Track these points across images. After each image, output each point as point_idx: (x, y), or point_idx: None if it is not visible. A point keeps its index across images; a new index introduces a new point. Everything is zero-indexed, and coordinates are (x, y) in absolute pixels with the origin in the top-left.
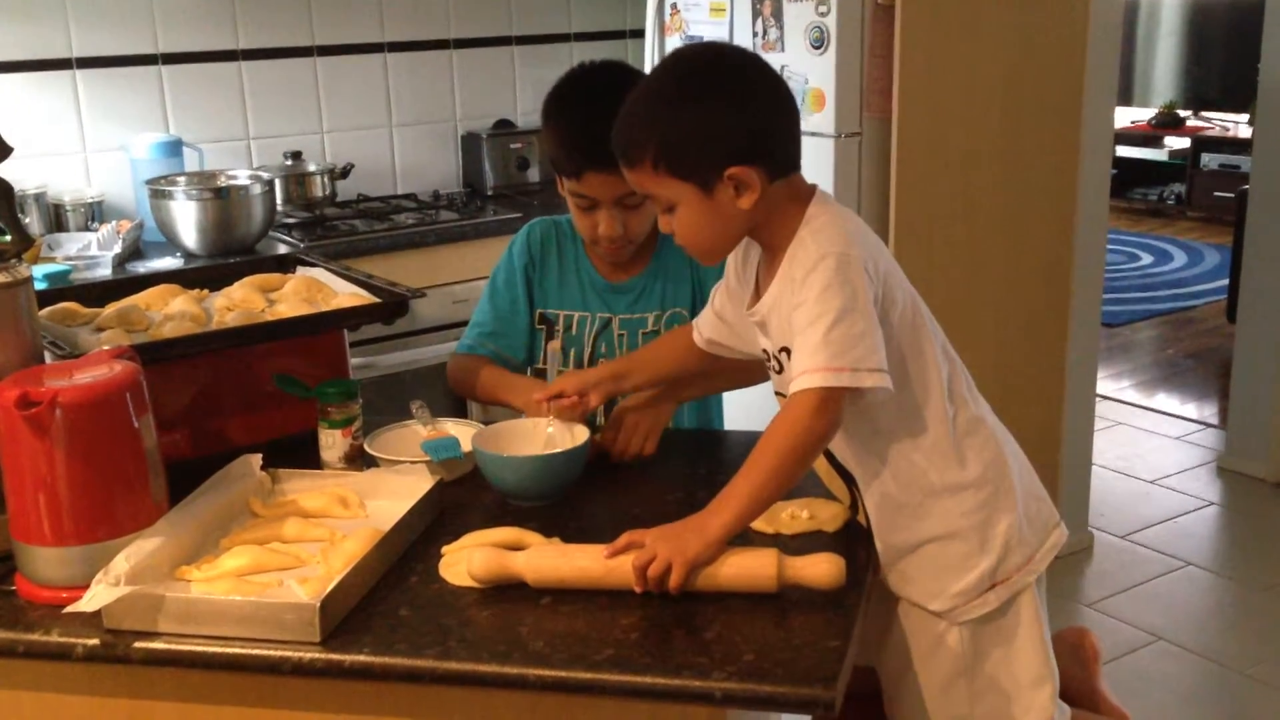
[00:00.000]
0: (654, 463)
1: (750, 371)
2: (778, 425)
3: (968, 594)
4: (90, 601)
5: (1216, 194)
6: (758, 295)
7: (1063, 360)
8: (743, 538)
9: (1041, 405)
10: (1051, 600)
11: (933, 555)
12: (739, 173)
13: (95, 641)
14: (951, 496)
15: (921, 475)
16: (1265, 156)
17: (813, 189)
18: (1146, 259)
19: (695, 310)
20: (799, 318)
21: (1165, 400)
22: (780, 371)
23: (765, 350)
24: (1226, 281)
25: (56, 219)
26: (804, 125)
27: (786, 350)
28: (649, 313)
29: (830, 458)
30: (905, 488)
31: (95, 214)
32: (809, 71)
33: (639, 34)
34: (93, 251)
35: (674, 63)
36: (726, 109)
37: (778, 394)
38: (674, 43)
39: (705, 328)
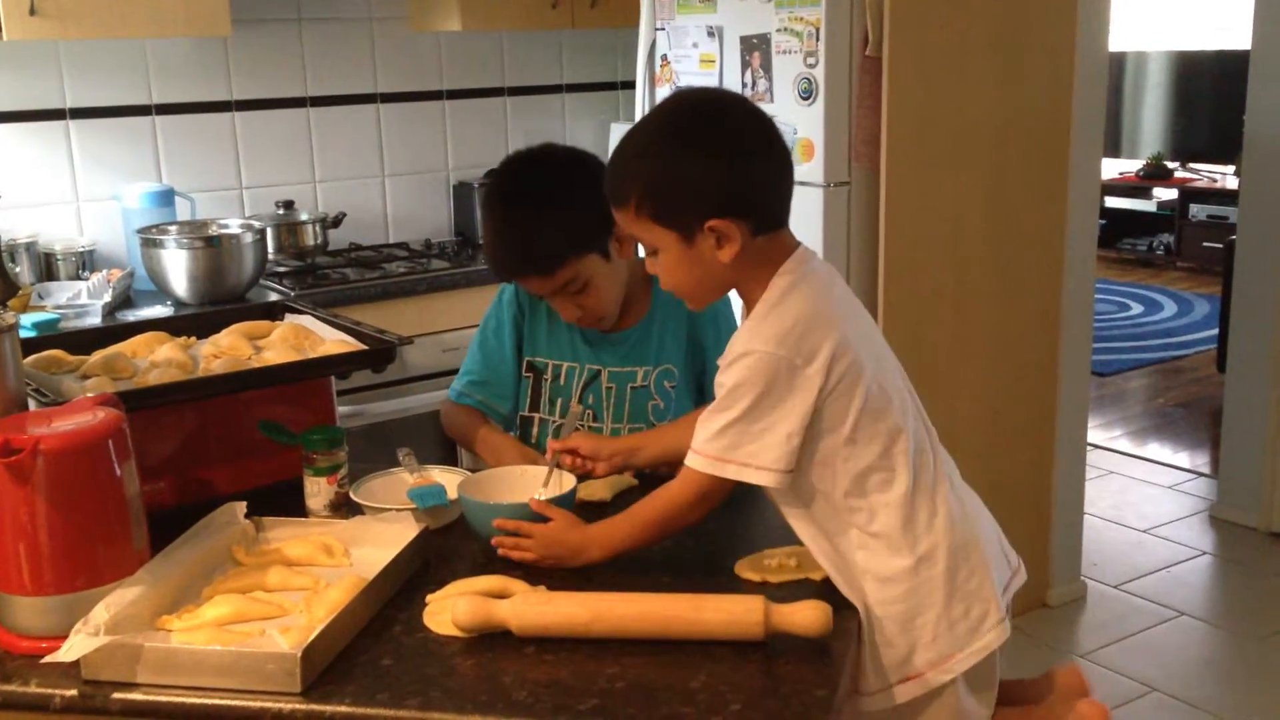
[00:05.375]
0: None
1: None
2: (664, 494)
3: (883, 678)
4: (69, 651)
5: (1205, 244)
6: None
7: (1053, 410)
8: (729, 586)
9: (1032, 455)
10: (1045, 651)
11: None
12: (720, 225)
13: (73, 692)
14: (878, 584)
15: (851, 553)
16: (1251, 208)
17: (791, 249)
18: (1137, 309)
19: (688, 367)
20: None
21: (1157, 449)
22: None
23: None
24: (1216, 331)
25: (47, 268)
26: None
27: None
28: (639, 367)
29: None
30: (838, 561)
31: (86, 263)
32: (798, 122)
33: (630, 85)
34: (83, 300)
35: (669, 108)
36: (713, 161)
37: None
38: (664, 94)
39: None
